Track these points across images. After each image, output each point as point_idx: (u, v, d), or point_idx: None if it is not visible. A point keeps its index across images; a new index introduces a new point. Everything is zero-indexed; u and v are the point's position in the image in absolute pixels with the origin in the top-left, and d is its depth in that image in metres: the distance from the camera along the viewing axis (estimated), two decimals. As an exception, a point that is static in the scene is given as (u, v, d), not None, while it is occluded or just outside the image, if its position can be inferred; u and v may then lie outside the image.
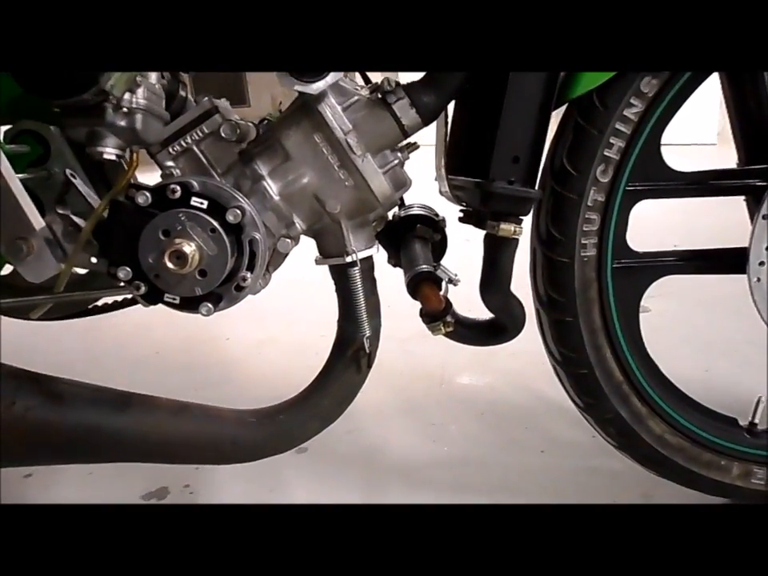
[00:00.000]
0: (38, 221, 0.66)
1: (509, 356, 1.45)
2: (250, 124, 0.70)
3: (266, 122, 0.81)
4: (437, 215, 0.90)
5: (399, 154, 0.70)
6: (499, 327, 0.80)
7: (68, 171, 0.67)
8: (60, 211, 0.67)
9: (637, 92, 0.74)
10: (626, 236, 0.81)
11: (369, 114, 0.67)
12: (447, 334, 0.80)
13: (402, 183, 0.70)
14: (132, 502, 1.05)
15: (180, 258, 0.62)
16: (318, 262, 0.75)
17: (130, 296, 0.81)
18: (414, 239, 0.86)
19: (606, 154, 0.76)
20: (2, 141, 0.63)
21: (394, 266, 0.90)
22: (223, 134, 0.67)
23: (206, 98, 0.67)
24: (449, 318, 0.79)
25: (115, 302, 0.90)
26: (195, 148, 0.68)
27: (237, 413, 0.78)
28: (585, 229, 0.78)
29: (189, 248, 0.62)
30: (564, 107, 0.78)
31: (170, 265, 0.62)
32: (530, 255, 0.85)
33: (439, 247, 0.89)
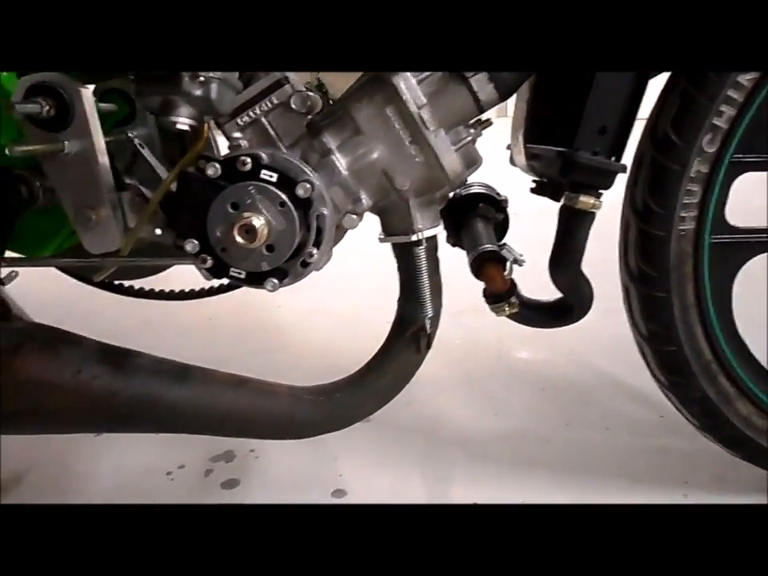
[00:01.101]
0: (111, 189, 0.66)
1: (565, 332, 1.43)
2: (318, 95, 0.68)
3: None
4: (499, 194, 0.87)
5: (472, 131, 0.67)
6: (565, 308, 0.78)
7: (136, 140, 0.67)
8: (127, 180, 0.66)
9: None
10: (725, 210, 0.77)
11: (444, 88, 0.64)
12: (511, 316, 0.78)
13: (473, 161, 0.68)
14: (200, 464, 1.07)
15: (249, 231, 0.61)
16: (381, 239, 0.74)
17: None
18: (476, 218, 0.84)
19: (714, 122, 0.72)
20: (96, 101, 0.61)
21: (453, 245, 0.89)
22: (293, 106, 0.65)
23: (275, 68, 0.65)
24: (513, 299, 0.77)
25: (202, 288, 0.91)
26: (263, 119, 0.66)
27: (294, 389, 0.78)
28: (685, 201, 0.74)
29: (258, 222, 0.61)
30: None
31: (238, 239, 0.61)
32: (620, 227, 0.82)
33: (501, 227, 0.86)
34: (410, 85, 0.64)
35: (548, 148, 0.69)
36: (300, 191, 0.62)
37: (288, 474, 1.05)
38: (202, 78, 0.58)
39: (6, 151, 0.59)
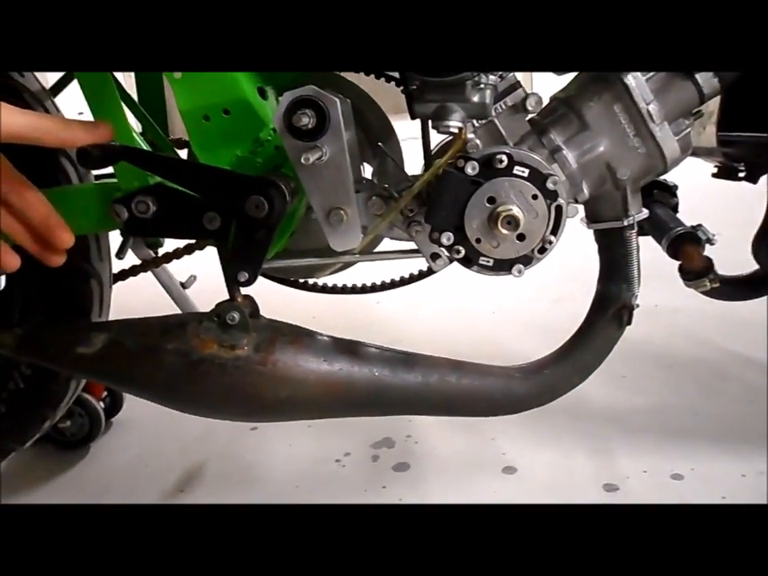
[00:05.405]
0: (353, 190, 0.72)
1: (670, 312, 1.49)
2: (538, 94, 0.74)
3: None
4: (667, 180, 0.94)
5: (691, 118, 0.73)
6: (760, 281, 0.84)
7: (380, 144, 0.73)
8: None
9: None
10: None
11: (671, 83, 0.71)
12: (708, 291, 0.85)
13: (688, 146, 0.74)
14: (364, 451, 1.14)
15: (511, 222, 0.67)
16: (590, 226, 0.80)
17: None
18: (653, 204, 0.90)
19: None
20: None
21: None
22: (529, 107, 0.71)
23: (511, 74, 0.72)
24: (712, 275, 0.83)
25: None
26: (496, 120, 0.73)
27: (505, 369, 0.84)
28: None
29: (519, 213, 0.67)
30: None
31: (501, 229, 0.67)
32: None
33: (674, 211, 0.92)
34: (639, 83, 0.70)
35: (749, 135, 0.75)
36: (550, 184, 0.68)
37: (453, 454, 1.11)
38: (482, 85, 0.64)
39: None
